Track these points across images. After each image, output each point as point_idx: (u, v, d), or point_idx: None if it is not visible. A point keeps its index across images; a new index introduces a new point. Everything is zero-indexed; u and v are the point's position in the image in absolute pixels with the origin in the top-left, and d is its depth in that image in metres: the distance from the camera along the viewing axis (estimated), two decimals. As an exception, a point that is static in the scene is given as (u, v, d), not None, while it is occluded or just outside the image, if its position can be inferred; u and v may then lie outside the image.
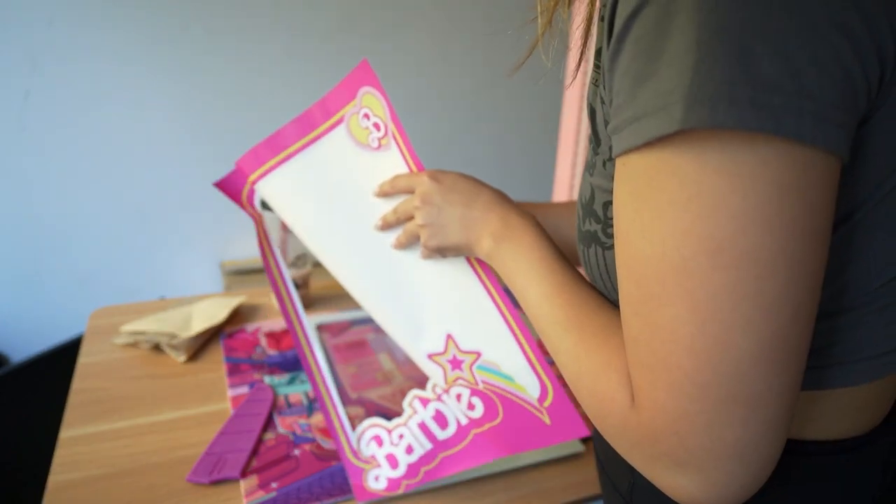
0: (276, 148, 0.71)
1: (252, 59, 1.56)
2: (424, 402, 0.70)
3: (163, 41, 1.48)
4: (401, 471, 0.67)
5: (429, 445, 0.68)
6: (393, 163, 0.61)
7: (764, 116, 0.27)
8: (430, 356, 0.64)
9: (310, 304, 1.03)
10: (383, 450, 0.69)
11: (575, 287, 0.46)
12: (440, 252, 0.58)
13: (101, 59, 1.46)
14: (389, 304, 0.66)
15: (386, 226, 0.63)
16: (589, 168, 0.44)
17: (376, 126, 0.62)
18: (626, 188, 0.32)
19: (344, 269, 0.68)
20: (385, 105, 0.61)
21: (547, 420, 0.59)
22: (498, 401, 0.62)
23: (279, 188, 0.71)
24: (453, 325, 0.62)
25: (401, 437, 0.69)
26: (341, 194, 0.66)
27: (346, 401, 0.80)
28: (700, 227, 0.29)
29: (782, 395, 0.30)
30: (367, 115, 0.63)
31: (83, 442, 0.72)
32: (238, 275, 1.72)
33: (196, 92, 1.54)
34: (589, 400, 0.40)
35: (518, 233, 0.51)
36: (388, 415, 0.77)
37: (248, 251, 1.76)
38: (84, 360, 0.88)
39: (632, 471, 0.46)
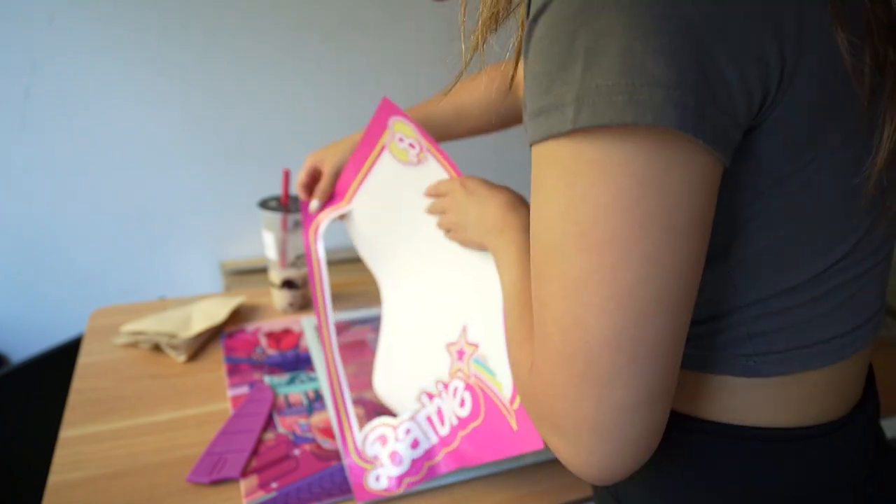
0: (340, 192, 0.83)
1: (253, 59, 1.56)
2: (430, 396, 0.72)
3: (163, 40, 1.47)
4: (404, 467, 0.67)
5: (435, 440, 0.69)
6: (435, 171, 0.71)
7: (637, 111, 0.28)
8: (447, 345, 0.70)
9: (310, 304, 1.03)
10: (387, 448, 0.69)
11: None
12: (465, 245, 0.66)
13: (102, 57, 1.46)
14: (428, 293, 0.76)
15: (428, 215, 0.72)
16: None
17: (412, 146, 0.72)
18: (532, 175, 0.35)
19: (391, 265, 0.82)
20: (413, 127, 0.70)
21: (514, 424, 0.60)
22: (482, 398, 0.64)
23: (356, 220, 0.83)
24: (471, 316, 0.67)
25: (407, 431, 0.70)
26: (400, 207, 0.77)
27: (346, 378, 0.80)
28: (571, 212, 0.31)
29: (635, 382, 0.32)
30: (401, 139, 0.72)
31: (83, 442, 0.72)
32: (238, 275, 1.71)
33: (197, 91, 1.54)
34: (512, 369, 0.45)
35: (512, 231, 0.56)
36: (388, 415, 0.77)
37: (248, 251, 1.76)
38: (84, 360, 0.88)
39: None
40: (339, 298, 1.05)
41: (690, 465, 0.43)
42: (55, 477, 0.67)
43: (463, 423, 0.66)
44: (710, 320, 0.40)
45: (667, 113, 0.28)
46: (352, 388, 0.83)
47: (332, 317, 0.81)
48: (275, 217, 0.93)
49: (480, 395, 0.64)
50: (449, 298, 0.72)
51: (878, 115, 0.34)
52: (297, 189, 0.84)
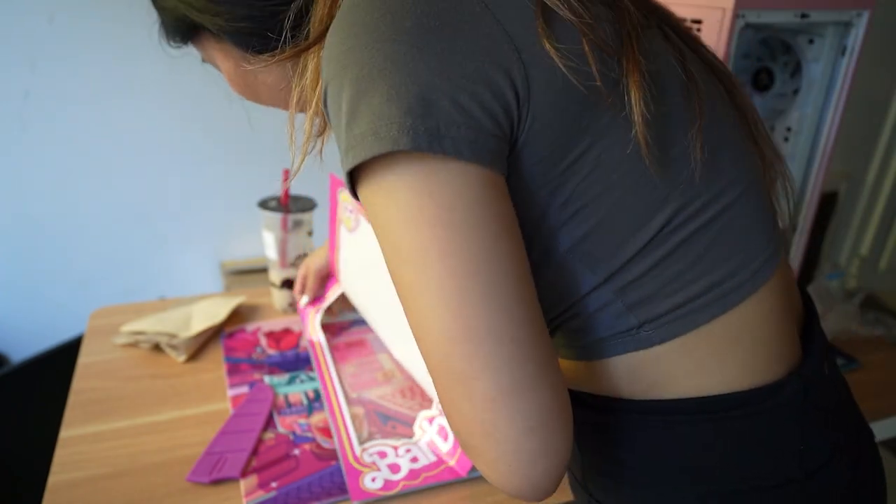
0: (333, 275, 0.97)
1: (252, 59, 1.56)
2: (431, 419, 0.72)
3: (163, 40, 1.47)
4: (402, 474, 0.68)
5: (434, 458, 0.70)
6: (366, 232, 0.79)
7: (379, 145, 0.34)
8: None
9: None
10: (386, 461, 0.70)
11: None
12: None
13: (102, 57, 1.46)
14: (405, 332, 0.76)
15: None
16: None
17: (350, 211, 0.82)
18: None
19: (371, 313, 0.89)
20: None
21: None
22: None
23: (350, 296, 0.94)
24: None
25: (408, 450, 0.71)
26: (358, 273, 0.86)
27: (346, 400, 0.81)
28: (383, 235, 0.37)
29: (488, 372, 0.35)
30: (347, 209, 0.83)
31: (83, 442, 0.72)
32: (238, 275, 1.72)
33: (197, 91, 1.54)
34: None
35: None
36: (388, 414, 0.77)
37: (248, 251, 1.76)
38: (84, 360, 0.88)
39: (581, 454, 0.48)
40: (339, 298, 1.05)
41: (633, 447, 0.44)
42: (55, 477, 0.67)
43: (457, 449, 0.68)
44: (580, 308, 0.42)
45: (401, 139, 0.34)
46: (352, 387, 0.83)
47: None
48: (275, 217, 0.93)
49: None
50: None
51: (623, 90, 0.38)
52: (296, 297, 0.97)
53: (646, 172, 0.39)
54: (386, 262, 0.38)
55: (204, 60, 0.55)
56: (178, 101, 1.56)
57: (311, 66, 0.42)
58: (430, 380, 0.75)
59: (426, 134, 0.34)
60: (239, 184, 1.62)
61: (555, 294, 0.43)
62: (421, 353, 0.38)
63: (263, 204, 0.95)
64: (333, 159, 0.43)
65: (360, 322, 0.99)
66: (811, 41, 0.81)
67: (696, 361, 0.42)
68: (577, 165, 0.38)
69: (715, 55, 0.49)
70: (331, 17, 0.40)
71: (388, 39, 0.35)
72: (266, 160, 1.40)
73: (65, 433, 0.74)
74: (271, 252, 0.97)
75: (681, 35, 0.46)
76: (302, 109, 0.45)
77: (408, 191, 0.35)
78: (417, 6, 0.35)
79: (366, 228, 0.77)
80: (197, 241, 1.73)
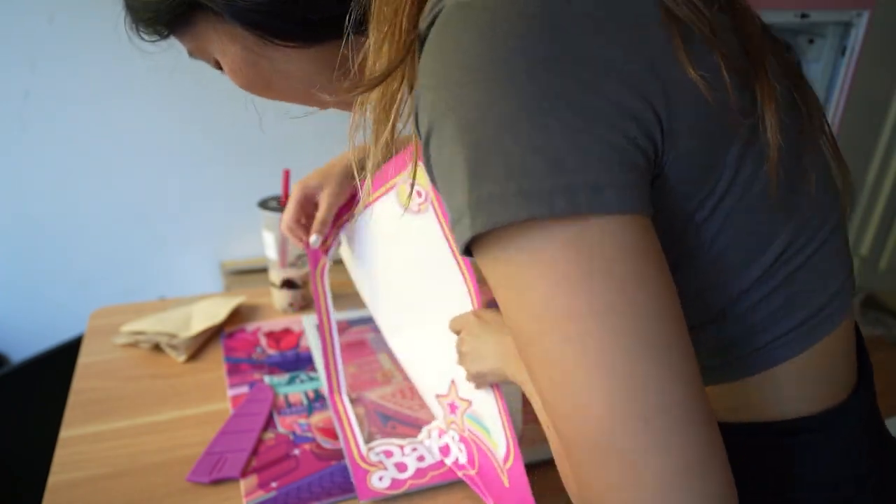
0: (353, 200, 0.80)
1: (252, 59, 1.56)
2: (441, 433, 0.72)
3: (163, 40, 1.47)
4: (409, 473, 0.68)
5: (440, 457, 0.70)
6: (431, 225, 0.67)
7: (533, 204, 0.30)
8: (438, 396, 0.71)
9: (310, 304, 1.03)
10: (392, 460, 0.70)
11: None
12: (480, 377, 0.60)
13: (102, 57, 1.46)
14: (416, 343, 0.75)
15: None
16: None
17: (418, 193, 0.69)
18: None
19: (381, 309, 0.81)
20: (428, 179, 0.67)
21: (506, 481, 0.60)
22: (476, 451, 0.65)
23: (351, 237, 0.82)
24: (457, 372, 0.65)
25: (414, 449, 0.71)
26: (387, 248, 0.74)
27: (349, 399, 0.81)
28: (521, 301, 0.32)
29: (676, 446, 0.30)
30: (412, 184, 0.68)
31: (83, 442, 0.72)
32: (238, 275, 1.71)
33: (197, 91, 1.53)
34: (573, 490, 0.42)
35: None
36: (388, 414, 0.77)
37: (248, 251, 1.76)
38: (84, 360, 0.88)
39: None
40: (339, 298, 1.05)
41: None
42: (55, 477, 0.67)
43: (459, 467, 0.68)
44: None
45: (556, 201, 0.30)
46: (352, 387, 0.83)
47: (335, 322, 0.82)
48: (275, 217, 0.93)
49: (475, 448, 0.66)
50: (435, 351, 0.70)
51: (759, 120, 0.35)
52: (284, 230, 0.79)
53: (768, 206, 0.37)
54: (519, 335, 0.33)
55: (191, 54, 0.48)
56: (179, 101, 1.56)
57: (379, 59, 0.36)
58: (427, 385, 0.74)
59: (583, 190, 0.30)
60: (239, 184, 1.62)
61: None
62: (568, 436, 0.32)
63: (263, 204, 0.95)
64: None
65: (360, 322, 0.99)
66: (811, 41, 0.81)
67: (771, 391, 0.41)
68: (714, 193, 0.36)
69: (782, 45, 0.44)
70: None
71: (514, 76, 0.30)
72: (266, 160, 1.41)
73: (65, 433, 0.74)
74: (271, 252, 0.97)
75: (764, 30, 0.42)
76: (342, 107, 0.40)
77: (561, 252, 0.30)
78: (543, 33, 0.30)
79: (430, 220, 0.68)
80: (197, 241, 1.73)
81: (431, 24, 0.33)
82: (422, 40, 0.35)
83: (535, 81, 0.30)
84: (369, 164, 0.39)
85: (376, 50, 0.36)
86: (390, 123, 0.37)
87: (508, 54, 0.30)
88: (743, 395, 0.41)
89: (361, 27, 0.38)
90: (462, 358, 0.62)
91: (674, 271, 0.34)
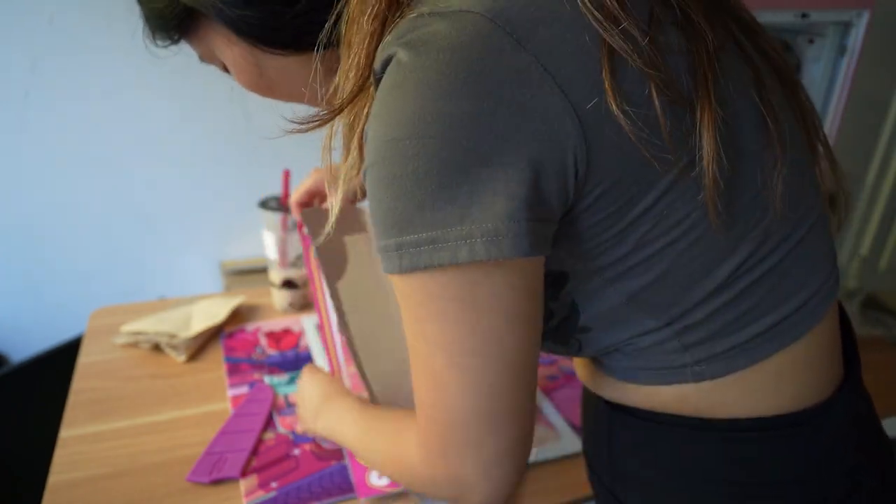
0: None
1: (252, 59, 1.56)
2: None
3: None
4: None
5: None
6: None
7: (441, 254, 0.34)
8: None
9: (310, 304, 1.03)
10: None
11: (374, 410, 0.55)
12: (312, 433, 0.67)
13: (102, 57, 1.46)
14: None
15: None
16: None
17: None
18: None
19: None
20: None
21: None
22: None
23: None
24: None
25: None
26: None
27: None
28: (415, 321, 0.38)
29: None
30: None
31: (83, 442, 0.72)
32: (238, 275, 1.71)
33: (197, 91, 1.53)
34: (391, 466, 0.48)
35: (335, 397, 0.62)
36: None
37: (248, 251, 1.76)
38: (84, 360, 0.88)
39: (611, 461, 0.48)
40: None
41: (677, 460, 0.43)
42: (55, 477, 0.67)
43: None
44: (633, 343, 0.42)
45: (459, 252, 0.34)
46: (352, 388, 0.83)
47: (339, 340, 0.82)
48: (275, 217, 0.93)
49: None
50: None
51: (695, 145, 0.36)
52: (290, 203, 0.81)
53: (711, 230, 0.37)
54: (414, 349, 0.40)
55: (202, 59, 0.50)
56: (179, 101, 1.55)
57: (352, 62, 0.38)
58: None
59: (483, 239, 0.34)
60: (239, 184, 1.62)
61: (608, 334, 0.42)
62: (433, 418, 0.40)
63: (263, 204, 0.95)
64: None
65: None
66: (811, 41, 0.81)
67: (750, 390, 0.41)
68: (639, 222, 0.37)
69: (775, 47, 0.44)
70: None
71: (436, 134, 0.33)
72: (266, 160, 1.40)
73: (65, 433, 0.74)
74: (271, 252, 0.97)
75: (749, 35, 0.42)
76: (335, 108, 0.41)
77: (457, 291, 0.36)
78: (465, 88, 0.33)
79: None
80: (197, 241, 1.73)
81: (385, 64, 0.35)
82: (377, 79, 0.37)
83: (451, 142, 0.33)
84: (339, 180, 0.42)
85: (344, 73, 0.39)
86: (356, 139, 0.39)
87: (429, 115, 0.33)
88: (718, 394, 0.42)
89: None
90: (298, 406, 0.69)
91: (611, 283, 0.39)
